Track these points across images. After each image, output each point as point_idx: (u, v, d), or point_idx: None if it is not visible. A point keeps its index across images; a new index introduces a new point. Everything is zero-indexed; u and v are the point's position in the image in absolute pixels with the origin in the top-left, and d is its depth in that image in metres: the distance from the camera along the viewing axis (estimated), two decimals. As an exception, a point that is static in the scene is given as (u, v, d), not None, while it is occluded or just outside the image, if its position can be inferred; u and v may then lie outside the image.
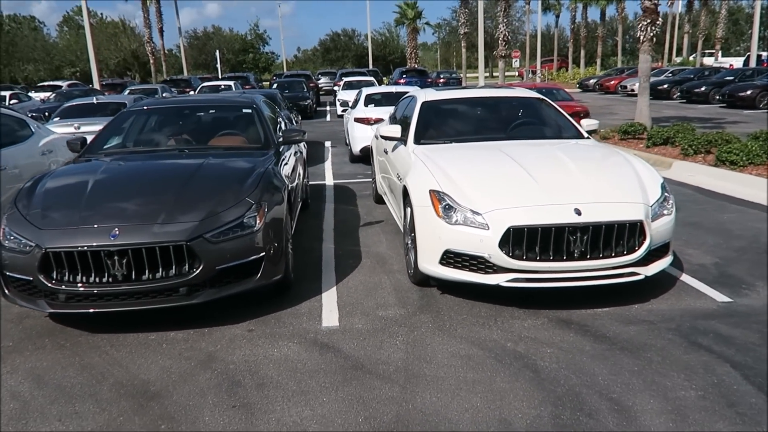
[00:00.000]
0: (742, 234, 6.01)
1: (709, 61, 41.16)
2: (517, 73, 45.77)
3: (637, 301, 4.33)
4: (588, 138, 5.64)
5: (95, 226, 3.82)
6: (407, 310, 4.32)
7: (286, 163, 5.40)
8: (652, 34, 13.40)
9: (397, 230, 6.49)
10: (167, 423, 2.97)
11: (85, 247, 3.73)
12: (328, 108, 26.61)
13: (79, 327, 4.12)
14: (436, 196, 4.30)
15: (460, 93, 6.40)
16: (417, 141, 5.50)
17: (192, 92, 22.95)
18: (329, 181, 9.78)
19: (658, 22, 13.53)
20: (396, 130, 5.74)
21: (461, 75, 36.88)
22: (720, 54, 41.82)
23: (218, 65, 51.91)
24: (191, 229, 3.85)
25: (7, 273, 3.96)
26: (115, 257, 3.75)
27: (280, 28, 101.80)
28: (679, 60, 48.04)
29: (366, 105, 11.76)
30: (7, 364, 3.65)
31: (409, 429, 2.86)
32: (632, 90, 30.31)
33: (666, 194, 4.40)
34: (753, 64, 29.96)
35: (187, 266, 3.86)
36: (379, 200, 7.73)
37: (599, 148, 5.39)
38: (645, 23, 13.41)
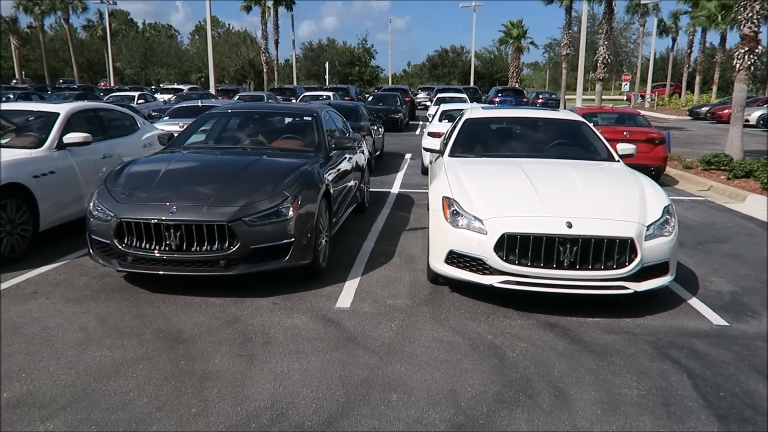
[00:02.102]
0: (777, 266, 5.94)
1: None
2: (625, 97, 44.19)
3: (632, 315, 4.58)
4: (619, 161, 5.87)
5: (158, 204, 4.71)
6: (413, 301, 4.85)
7: (333, 166, 6.11)
8: (749, 63, 12.89)
9: (437, 236, 6.99)
10: (186, 360, 3.72)
11: (149, 220, 4.62)
12: (420, 122, 27.36)
13: (143, 287, 5.03)
14: (447, 201, 4.81)
15: (503, 112, 6.83)
16: (451, 154, 6.01)
17: (294, 100, 24.56)
18: (395, 189, 10.40)
19: (757, 50, 12.99)
20: (435, 143, 6.29)
21: (559, 96, 36.32)
22: None
23: (327, 76, 54.55)
24: (232, 212, 4.63)
25: (93, 236, 4.95)
26: (171, 230, 4.60)
27: (389, 42, 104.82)
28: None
29: (440, 120, 12.31)
30: (83, 307, 4.59)
31: (370, 390, 3.41)
32: (747, 120, 28.53)
33: (668, 216, 4.61)
34: None
35: (227, 243, 4.64)
36: (432, 209, 8.26)
37: (618, 170, 5.61)
38: (742, 51, 12.94)
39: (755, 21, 12.86)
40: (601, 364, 3.74)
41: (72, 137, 6.54)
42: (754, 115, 28.66)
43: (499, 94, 28.65)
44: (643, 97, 44.21)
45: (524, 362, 3.75)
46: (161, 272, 4.70)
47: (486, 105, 7.88)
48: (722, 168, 12.21)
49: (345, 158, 6.80)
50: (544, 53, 72.91)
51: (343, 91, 28.31)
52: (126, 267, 4.79)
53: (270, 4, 41.28)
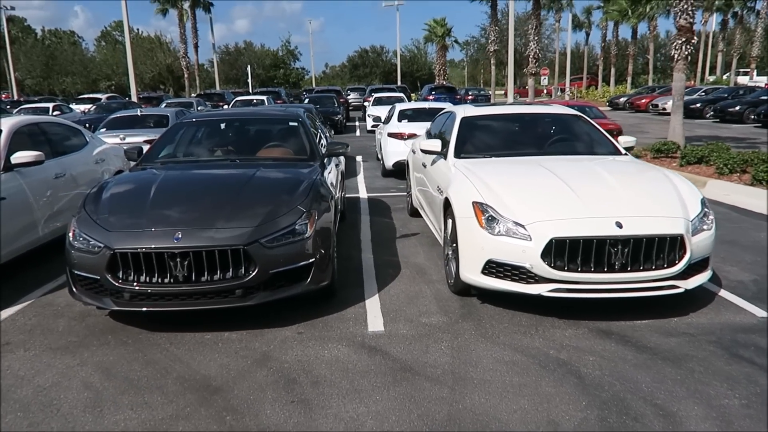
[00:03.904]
0: (779, 252, 6.03)
1: (743, 80, 40.65)
2: (545, 91, 45.71)
3: (676, 314, 4.41)
4: (626, 154, 5.74)
5: (160, 229, 4.07)
6: (449, 317, 4.47)
7: (329, 175, 5.62)
8: (687, 53, 13.41)
9: (433, 242, 6.65)
10: (232, 415, 3.16)
11: (150, 249, 3.97)
12: (357, 123, 27.00)
13: (138, 325, 4.36)
14: (479, 207, 4.46)
15: (498, 109, 6.57)
16: (457, 155, 5.67)
17: (225, 106, 23.52)
18: (363, 194, 9.98)
19: (693, 41, 13.53)
20: (436, 144, 5.92)
21: (489, 92, 37.03)
22: (755, 73, 41.26)
23: (249, 80, 53.03)
24: (248, 234, 4.07)
25: (75, 271, 4.23)
26: (177, 259, 3.98)
27: (310, 44, 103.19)
28: (712, 79, 47.48)
29: (399, 120, 11.98)
30: (76, 357, 3.89)
31: (461, 428, 3.00)
32: (664, 109, 30.11)
33: (706, 210, 4.49)
34: (789, 83, 29.52)
35: (243, 269, 4.07)
36: (415, 213, 7.90)
37: (637, 163, 5.50)
38: (680, 42, 13.41)
39: (690, 12, 13.38)
40: (682, 373, 3.51)
41: (21, 156, 5.66)
42: (670, 103, 30.13)
43: (433, 92, 28.72)
44: (562, 90, 45.91)
45: (605, 379, 3.46)
46: (167, 309, 4.07)
47: (475, 103, 7.55)
48: (671, 155, 12.63)
49: (333, 165, 6.32)
50: (461, 50, 74.52)
51: (274, 94, 27.43)
52: (123, 305, 4.11)
53: (187, 6, 39.48)
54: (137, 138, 10.78)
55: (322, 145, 6.33)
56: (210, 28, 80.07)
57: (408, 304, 4.76)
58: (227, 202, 4.39)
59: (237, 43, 76.25)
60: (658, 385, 3.38)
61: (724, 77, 45.78)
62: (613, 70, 44.80)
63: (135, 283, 4.03)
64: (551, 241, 4.09)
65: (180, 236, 4.00)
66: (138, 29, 76.09)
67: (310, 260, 4.32)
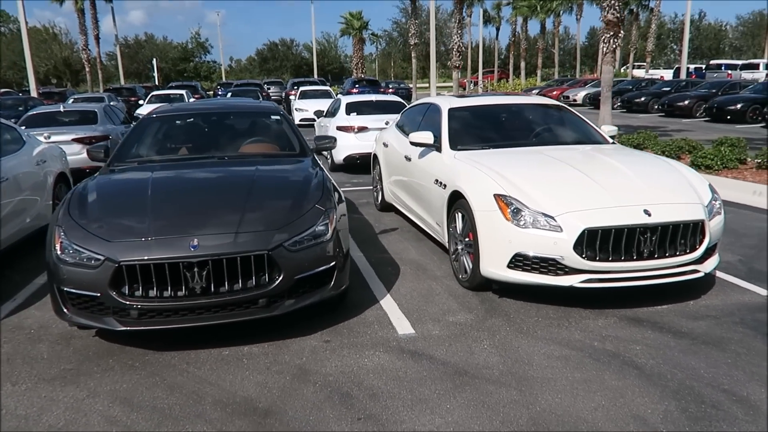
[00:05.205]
0: (747, 232, 6.38)
1: (639, 73, 43.52)
2: (458, 84, 46.63)
3: (690, 298, 4.51)
4: (613, 143, 5.84)
5: (172, 236, 3.61)
6: (475, 315, 4.32)
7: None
8: (615, 46, 14.05)
9: (417, 237, 6.49)
10: (297, 439, 2.84)
11: (164, 259, 3.51)
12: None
13: (137, 345, 3.87)
14: (503, 200, 4.33)
15: (482, 100, 6.48)
16: (453, 147, 5.51)
17: (142, 102, 22.10)
18: (321, 189, 9.62)
19: (620, 35, 14.20)
20: (428, 137, 5.74)
21: (410, 85, 37.31)
22: (648, 66, 44.34)
23: (155, 74, 50.34)
24: (271, 237, 3.71)
25: (66, 289, 3.68)
26: (195, 269, 3.55)
27: (218, 36, 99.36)
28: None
29: (348, 113, 11.68)
30: (81, 388, 3.37)
31: (550, 430, 2.86)
32: (574, 100, 31.68)
33: (715, 194, 4.62)
34: (683, 75, 31.95)
35: (266, 276, 3.71)
36: (386, 208, 7.70)
37: (635, 151, 5.61)
38: (608, 35, 14.05)
39: (616, 8, 14.03)
40: (730, 356, 3.57)
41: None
42: (580, 95, 31.84)
43: (356, 86, 28.50)
44: (475, 83, 47.13)
45: (663, 368, 3.44)
46: (182, 325, 3.63)
47: (457, 95, 7.46)
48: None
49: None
50: (372, 44, 74.67)
51: (191, 88, 26.13)
52: (129, 325, 3.61)
53: (86, -6, 36.73)
54: (64, 137, 9.78)
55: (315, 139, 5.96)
56: (112, 19, 74.96)
57: (426, 303, 4.56)
58: (239, 204, 3.98)
59: (137, 35, 71.98)
60: (714, 370, 3.40)
61: (622, 70, 48.86)
62: (523, 64, 46.63)
63: (144, 299, 3.56)
64: (584, 231, 4.04)
65: (197, 243, 3.57)
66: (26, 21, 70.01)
67: (332, 263, 4.01)
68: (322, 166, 5.09)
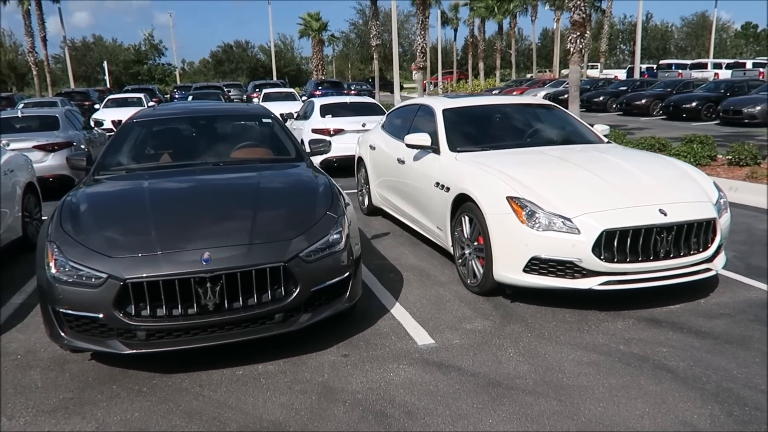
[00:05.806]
0: (735, 228, 6.46)
1: (593, 72, 44.60)
2: (421, 85, 46.79)
3: (699, 296, 4.51)
4: (609, 142, 5.84)
5: (181, 250, 3.36)
6: (492, 321, 4.20)
7: (323, 175, 5.09)
8: (581, 46, 14.25)
9: (413, 241, 6.35)
10: (340, 466, 2.65)
11: (174, 275, 3.26)
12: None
13: (140, 368, 3.59)
14: (517, 203, 4.23)
15: (476, 101, 6.40)
16: (453, 149, 5.39)
17: (98, 105, 21.26)
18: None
19: (586, 35, 14.42)
20: (425, 139, 5.60)
21: (369, 87, 37.17)
22: (602, 66, 45.49)
23: (106, 77, 48.72)
24: (287, 248, 3.50)
25: (62, 310, 3.38)
26: (208, 284, 3.31)
27: (171, 38, 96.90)
28: (566, 72, 51.55)
29: (322, 115, 11.45)
30: (88, 420, 3.09)
31: (602, 442, 2.76)
32: (534, 100, 32.21)
33: (721, 193, 4.64)
34: (637, 75, 32.88)
35: (282, 290, 3.50)
36: (373, 212, 7.55)
37: (636, 151, 5.62)
38: (575, 36, 14.24)
39: (582, 8, 14.25)
40: (757, 355, 3.56)
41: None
42: (540, 95, 32.19)
43: (319, 87, 28.20)
44: (435, 84, 47.37)
45: (695, 370, 3.40)
46: (194, 345, 3.39)
47: (447, 95, 7.34)
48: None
49: (310, 165, 5.77)
50: (328, 45, 74.29)
51: (149, 92, 25.33)
52: (136, 347, 3.34)
53: (31, -6, 35.20)
54: (24, 144, 9.22)
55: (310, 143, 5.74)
56: (60, 19, 72.33)
57: (438, 311, 4.42)
58: (247, 213, 3.75)
59: (84, 37, 69.53)
60: (746, 370, 3.38)
61: (576, 70, 49.90)
62: (482, 65, 47.15)
63: (152, 319, 3.30)
64: (602, 233, 3.98)
65: (208, 257, 3.33)
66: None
67: (346, 273, 3.82)
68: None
